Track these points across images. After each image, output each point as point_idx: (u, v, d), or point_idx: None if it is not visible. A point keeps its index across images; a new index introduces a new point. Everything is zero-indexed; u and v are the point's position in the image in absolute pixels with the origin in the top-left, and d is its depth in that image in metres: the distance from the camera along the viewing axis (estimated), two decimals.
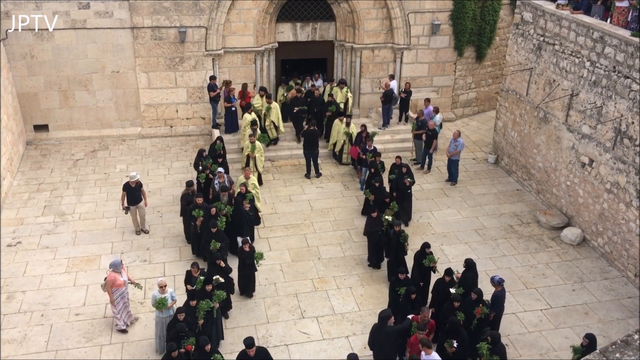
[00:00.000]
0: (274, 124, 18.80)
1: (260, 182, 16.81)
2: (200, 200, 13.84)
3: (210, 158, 16.09)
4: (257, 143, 16.80)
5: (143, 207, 14.92)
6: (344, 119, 18.36)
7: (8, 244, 14.73)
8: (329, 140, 19.05)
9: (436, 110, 19.13)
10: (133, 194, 14.62)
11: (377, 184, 15.26)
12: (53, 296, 13.04)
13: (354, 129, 18.27)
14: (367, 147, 16.97)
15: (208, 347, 10.23)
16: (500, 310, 11.75)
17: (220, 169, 15.39)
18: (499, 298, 11.65)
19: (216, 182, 15.14)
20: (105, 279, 11.73)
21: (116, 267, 11.67)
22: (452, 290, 11.40)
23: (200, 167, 15.74)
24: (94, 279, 13.54)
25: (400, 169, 15.71)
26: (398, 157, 16.33)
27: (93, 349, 11.71)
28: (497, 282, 11.62)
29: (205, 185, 15.45)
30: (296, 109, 19.06)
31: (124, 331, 11.99)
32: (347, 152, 18.55)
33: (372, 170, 15.98)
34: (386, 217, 13.76)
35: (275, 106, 18.71)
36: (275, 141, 19.27)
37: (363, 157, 17.01)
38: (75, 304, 12.85)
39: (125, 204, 14.69)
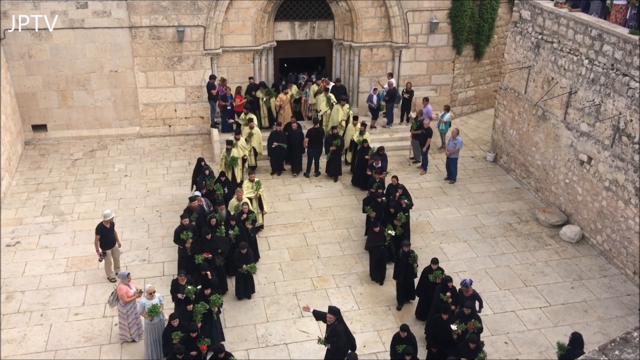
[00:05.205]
0: (254, 150, 17.66)
1: (262, 225, 15.49)
2: (186, 221, 13.04)
3: (212, 177, 15.25)
4: (259, 180, 15.24)
5: (117, 249, 13.48)
6: (358, 124, 17.87)
7: (7, 244, 14.72)
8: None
9: (446, 109, 19.17)
10: (107, 236, 13.02)
11: (379, 200, 14.47)
12: (52, 296, 13.04)
13: (368, 137, 17.60)
14: (374, 164, 16.35)
15: (222, 355, 10.14)
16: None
17: (197, 193, 14.44)
18: (477, 297, 11.62)
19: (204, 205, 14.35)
20: (113, 293, 11.63)
21: (124, 278, 11.49)
22: (453, 327, 10.74)
23: (204, 187, 14.92)
24: (93, 279, 13.55)
25: (396, 190, 14.79)
26: (394, 177, 15.41)
27: (92, 349, 11.70)
28: (469, 285, 11.49)
29: (187, 210, 14.31)
30: (275, 144, 17.60)
31: (131, 341, 11.86)
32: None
33: (380, 190, 15.00)
34: (389, 231, 13.32)
35: (257, 131, 17.55)
36: (253, 169, 17.05)
37: (368, 174, 16.36)
38: (75, 303, 12.85)
39: (101, 251, 13.09)
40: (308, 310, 11.14)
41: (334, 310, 10.74)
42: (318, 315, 11.05)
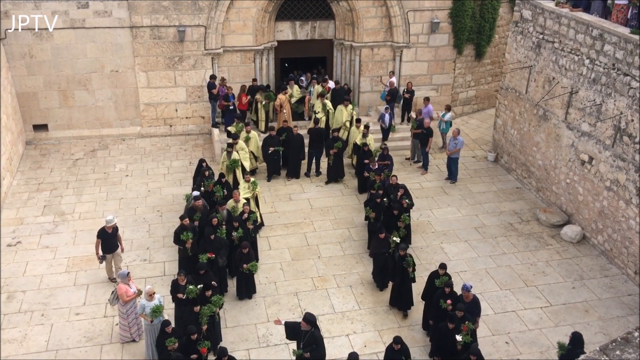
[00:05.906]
0: (253, 154, 17.45)
1: (262, 223, 15.61)
2: (186, 221, 13.02)
3: (212, 178, 15.16)
4: (255, 180, 15.45)
5: (120, 254, 13.39)
6: (361, 127, 17.65)
7: (8, 243, 14.73)
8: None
9: (447, 109, 19.12)
10: (109, 240, 12.98)
11: (378, 200, 14.40)
12: (53, 296, 13.05)
13: (371, 141, 17.42)
14: (371, 166, 16.23)
15: (225, 359, 10.06)
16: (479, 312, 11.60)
17: (196, 193, 14.40)
18: (477, 302, 11.51)
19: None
20: (113, 292, 11.66)
21: (123, 277, 11.52)
22: (459, 338, 10.58)
23: (202, 188, 14.87)
24: (94, 279, 13.56)
25: (397, 190, 14.67)
26: (394, 176, 15.31)
27: (93, 349, 11.71)
28: (468, 289, 11.38)
29: (191, 209, 14.37)
30: (271, 149, 17.33)
31: (132, 341, 11.86)
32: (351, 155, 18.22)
33: (380, 191, 14.86)
34: (394, 238, 13.08)
35: (254, 135, 17.46)
36: (253, 172, 17.41)
37: (366, 176, 16.20)
38: (76, 303, 12.86)
39: (101, 253, 13.07)
40: (279, 324, 10.99)
41: (310, 321, 10.36)
42: (290, 329, 10.66)
